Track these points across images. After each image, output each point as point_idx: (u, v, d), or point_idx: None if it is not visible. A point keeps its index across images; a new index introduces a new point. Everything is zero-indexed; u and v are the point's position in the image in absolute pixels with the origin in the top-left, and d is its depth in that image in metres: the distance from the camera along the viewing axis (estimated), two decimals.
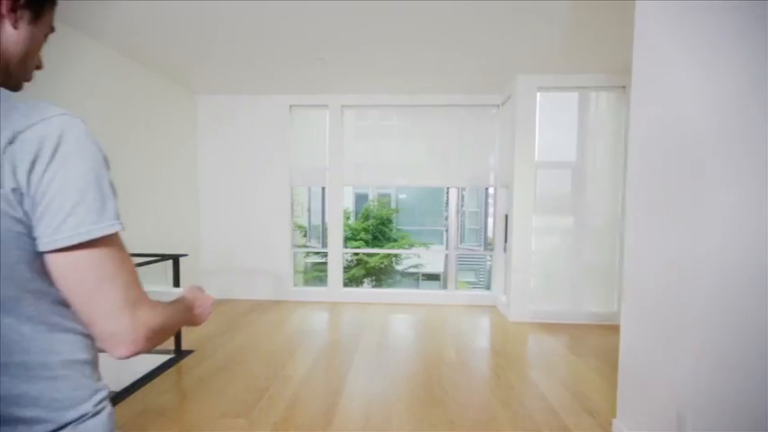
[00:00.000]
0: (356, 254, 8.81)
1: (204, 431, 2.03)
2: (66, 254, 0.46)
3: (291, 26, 2.93)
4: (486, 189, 5.18)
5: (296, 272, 5.17)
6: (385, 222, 9.74)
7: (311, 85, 4.32)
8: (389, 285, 9.49)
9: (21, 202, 0.44)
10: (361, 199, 11.37)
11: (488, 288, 5.19)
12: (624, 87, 3.79)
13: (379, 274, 9.26)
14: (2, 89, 0.48)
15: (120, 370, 2.55)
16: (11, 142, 0.43)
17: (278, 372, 2.76)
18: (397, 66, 3.70)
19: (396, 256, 9.45)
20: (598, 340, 3.50)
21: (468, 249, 11.09)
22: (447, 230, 10.85)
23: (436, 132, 4.67)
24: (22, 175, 0.43)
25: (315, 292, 4.87)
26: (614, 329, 3.81)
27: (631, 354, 1.94)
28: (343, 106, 4.62)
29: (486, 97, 4.52)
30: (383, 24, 2.90)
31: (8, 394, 0.46)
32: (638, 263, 1.89)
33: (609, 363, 2.93)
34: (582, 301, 4.02)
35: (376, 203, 10.65)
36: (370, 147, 4.80)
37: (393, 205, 10.69)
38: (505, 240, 4.42)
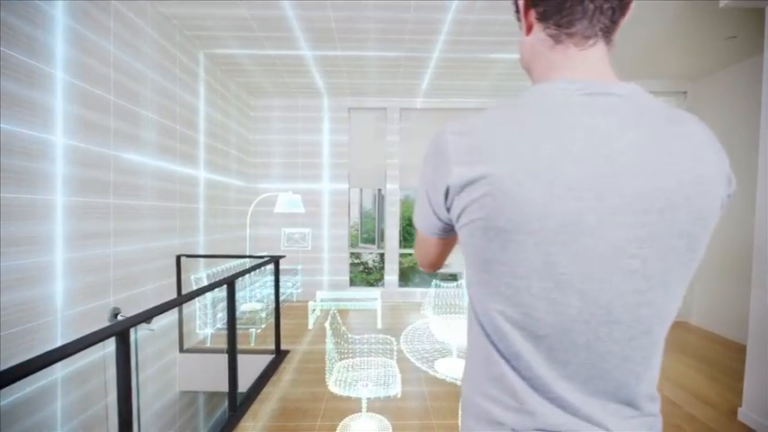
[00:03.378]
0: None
1: None
2: None
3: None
4: None
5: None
6: (411, 223, 9.83)
7: (370, 89, 4.40)
8: (415, 285, 9.61)
9: None
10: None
11: None
12: (685, 93, 3.94)
13: (408, 274, 9.40)
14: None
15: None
16: None
17: None
18: (456, 73, 3.83)
19: None
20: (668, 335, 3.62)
21: None
22: None
23: None
24: None
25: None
26: (676, 325, 3.98)
27: (762, 341, 2.06)
28: (401, 109, 4.70)
29: None
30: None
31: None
32: None
33: (695, 356, 3.07)
34: None
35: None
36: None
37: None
38: None
